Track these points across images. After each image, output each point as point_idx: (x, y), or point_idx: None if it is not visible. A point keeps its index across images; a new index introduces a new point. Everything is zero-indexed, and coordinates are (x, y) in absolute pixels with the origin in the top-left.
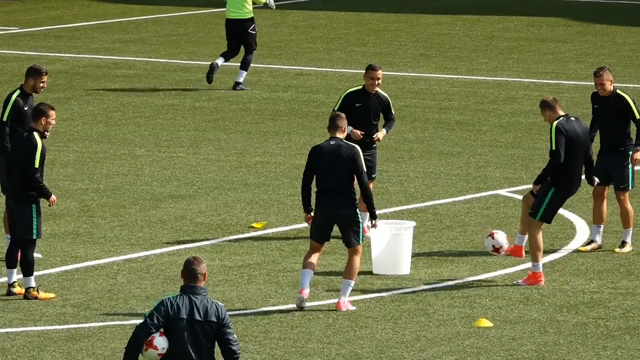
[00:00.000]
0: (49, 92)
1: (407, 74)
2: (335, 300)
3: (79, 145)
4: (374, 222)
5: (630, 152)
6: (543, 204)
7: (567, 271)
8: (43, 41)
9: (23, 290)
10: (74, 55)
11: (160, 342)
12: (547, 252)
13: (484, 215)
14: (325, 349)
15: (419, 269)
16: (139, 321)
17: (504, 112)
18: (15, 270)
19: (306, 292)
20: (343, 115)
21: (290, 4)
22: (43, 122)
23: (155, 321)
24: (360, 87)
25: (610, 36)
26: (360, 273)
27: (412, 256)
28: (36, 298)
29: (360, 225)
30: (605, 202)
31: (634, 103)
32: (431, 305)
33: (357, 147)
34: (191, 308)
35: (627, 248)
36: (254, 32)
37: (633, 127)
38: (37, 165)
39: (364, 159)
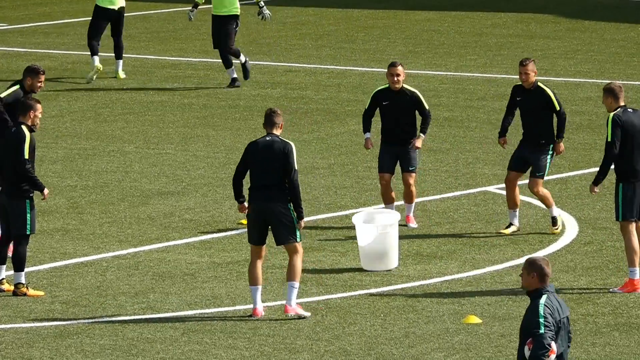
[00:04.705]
0: None
1: None
2: (323, 298)
3: (68, 142)
4: (301, 222)
5: (552, 145)
6: (619, 204)
7: (556, 268)
8: (32, 37)
9: (12, 288)
10: (62, 51)
11: None
12: (535, 248)
13: (472, 211)
14: (314, 345)
15: (408, 265)
16: (127, 318)
17: (493, 109)
18: (4, 266)
19: (260, 310)
20: (279, 111)
21: (279, 1)
22: (31, 116)
23: None
24: (387, 85)
25: (599, 33)
26: (348, 270)
27: (401, 253)
28: (25, 295)
29: (295, 222)
30: (517, 189)
31: (555, 95)
32: (420, 301)
33: (292, 144)
34: None
35: (559, 222)
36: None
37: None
38: (26, 156)
39: (405, 153)
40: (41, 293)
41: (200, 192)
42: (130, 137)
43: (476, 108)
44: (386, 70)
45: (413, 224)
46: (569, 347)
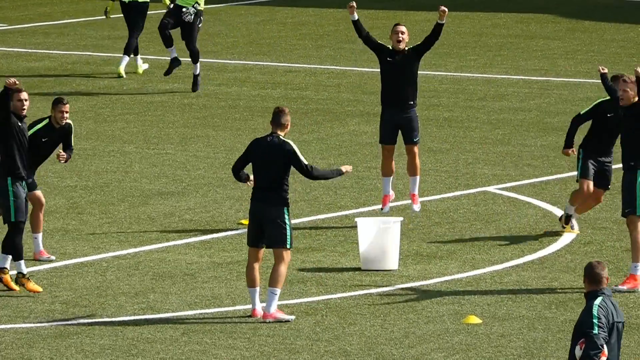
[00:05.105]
0: (37, 88)
1: None
2: (323, 298)
3: None
4: (345, 167)
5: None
6: (636, 196)
7: (556, 268)
8: (32, 38)
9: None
10: (62, 52)
11: None
12: (535, 249)
13: (472, 212)
14: (314, 345)
15: (408, 265)
16: (127, 318)
17: (493, 109)
18: (10, 257)
19: (258, 311)
20: (287, 111)
21: (280, 1)
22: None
23: None
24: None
25: (599, 33)
26: (348, 270)
27: (401, 253)
28: (23, 285)
29: (288, 228)
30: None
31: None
32: (420, 302)
33: (290, 142)
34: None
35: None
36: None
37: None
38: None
39: (407, 122)
40: (39, 289)
41: (200, 192)
42: (130, 137)
43: (476, 108)
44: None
45: (417, 205)
46: (619, 354)
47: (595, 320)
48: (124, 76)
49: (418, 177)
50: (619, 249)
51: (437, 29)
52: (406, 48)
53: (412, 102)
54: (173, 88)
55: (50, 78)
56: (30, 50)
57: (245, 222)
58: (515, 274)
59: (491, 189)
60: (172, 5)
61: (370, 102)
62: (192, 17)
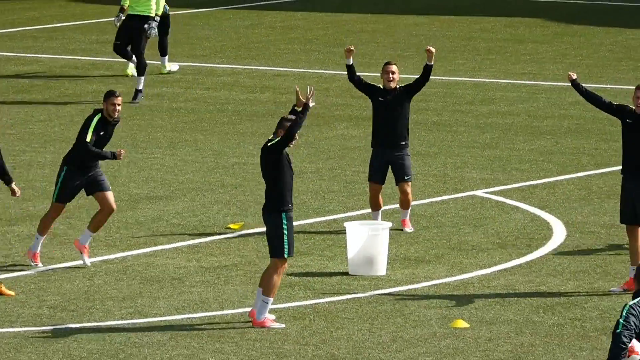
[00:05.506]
0: (25, 92)
1: None
2: (310, 302)
3: (56, 147)
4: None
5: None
6: None
7: (544, 272)
8: (20, 42)
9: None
10: (51, 56)
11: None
12: (523, 253)
13: (460, 216)
14: (302, 350)
15: (396, 269)
16: (115, 322)
17: (482, 113)
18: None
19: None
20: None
21: (268, 5)
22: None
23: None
24: None
25: (588, 37)
26: (336, 274)
27: (389, 257)
28: None
29: (284, 236)
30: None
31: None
32: (408, 306)
33: (267, 141)
34: None
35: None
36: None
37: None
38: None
39: (398, 160)
40: (12, 293)
41: (188, 196)
42: (118, 142)
43: (464, 112)
44: (378, 72)
45: (409, 228)
46: None
47: (621, 320)
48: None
49: (409, 210)
50: (607, 253)
51: (427, 70)
52: (397, 87)
53: (404, 143)
54: (161, 92)
55: (39, 82)
56: (18, 55)
57: (234, 226)
58: (503, 278)
59: (479, 192)
60: (120, 18)
61: (358, 106)
62: (155, 31)
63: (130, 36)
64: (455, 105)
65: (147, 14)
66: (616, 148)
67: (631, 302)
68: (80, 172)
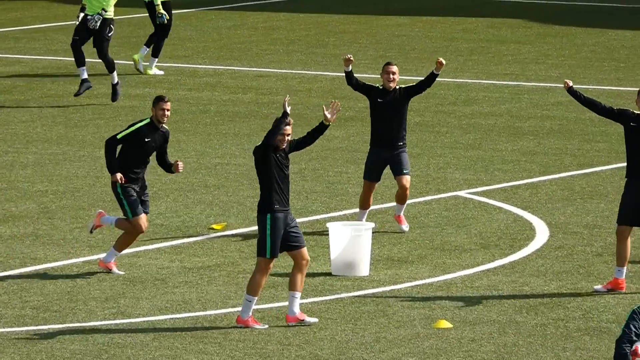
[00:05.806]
0: (7, 93)
1: (367, 75)
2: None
3: (38, 147)
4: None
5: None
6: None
7: (527, 272)
8: (2, 43)
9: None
10: (33, 56)
11: None
12: (506, 253)
13: (443, 216)
14: (285, 350)
15: (379, 270)
16: (98, 323)
17: (464, 114)
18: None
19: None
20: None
21: (250, 6)
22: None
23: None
24: None
25: (570, 38)
26: (319, 275)
27: (372, 257)
28: None
29: (267, 237)
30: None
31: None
32: (391, 306)
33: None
34: None
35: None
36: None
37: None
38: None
39: (396, 157)
40: None
41: (171, 197)
42: (101, 143)
43: (447, 113)
44: (363, 73)
45: (405, 225)
46: None
47: (623, 327)
48: (161, 72)
49: (405, 204)
50: (590, 254)
51: (432, 78)
52: (397, 87)
53: (401, 143)
54: (144, 93)
55: (21, 83)
56: (0, 56)
57: (217, 226)
58: (486, 278)
59: (462, 193)
60: (80, 18)
61: (341, 107)
62: (98, 23)
63: (94, 37)
64: (438, 106)
65: (99, 12)
66: (599, 149)
67: (635, 308)
68: (133, 185)
